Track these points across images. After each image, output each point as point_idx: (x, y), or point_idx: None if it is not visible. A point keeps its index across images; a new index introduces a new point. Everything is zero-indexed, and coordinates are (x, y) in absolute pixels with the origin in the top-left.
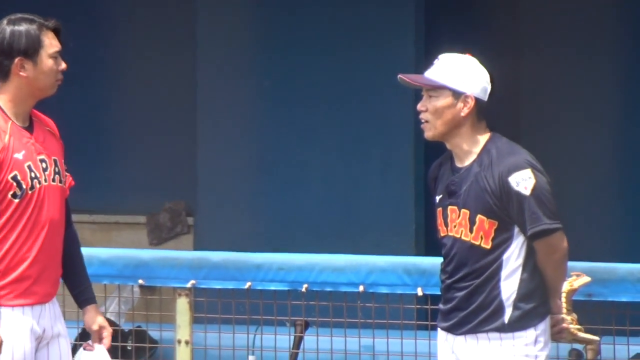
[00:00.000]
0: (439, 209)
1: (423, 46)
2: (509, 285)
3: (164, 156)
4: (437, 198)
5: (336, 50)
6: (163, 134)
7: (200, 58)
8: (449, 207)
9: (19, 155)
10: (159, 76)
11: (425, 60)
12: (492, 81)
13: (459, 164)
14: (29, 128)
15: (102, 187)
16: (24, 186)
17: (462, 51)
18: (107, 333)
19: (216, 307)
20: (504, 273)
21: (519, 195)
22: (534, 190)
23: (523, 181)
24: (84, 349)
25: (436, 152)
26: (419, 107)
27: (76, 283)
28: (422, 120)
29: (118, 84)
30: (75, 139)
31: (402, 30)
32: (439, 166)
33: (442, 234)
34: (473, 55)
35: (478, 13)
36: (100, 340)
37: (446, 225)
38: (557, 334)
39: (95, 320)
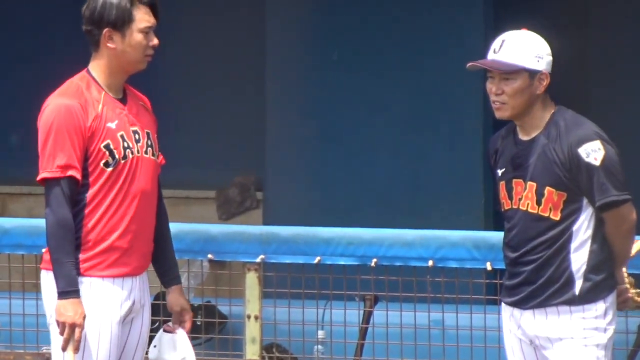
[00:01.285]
0: (502, 182)
1: (492, 17)
2: (579, 256)
3: (233, 131)
4: (500, 171)
5: (404, 21)
6: (232, 109)
7: (268, 31)
8: (514, 180)
9: (111, 125)
10: (227, 50)
11: (494, 31)
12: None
13: (523, 137)
14: (123, 100)
15: (171, 162)
16: (117, 155)
17: (535, 24)
18: (189, 317)
19: (285, 281)
20: (573, 245)
21: (589, 166)
22: (603, 161)
23: (593, 152)
24: (164, 330)
25: (504, 124)
26: (495, 90)
27: (162, 261)
28: (497, 103)
29: (186, 59)
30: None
31: (469, 1)
32: (501, 139)
33: (506, 207)
34: (529, 28)
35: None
36: (180, 323)
37: (510, 198)
38: (622, 304)
39: (179, 302)
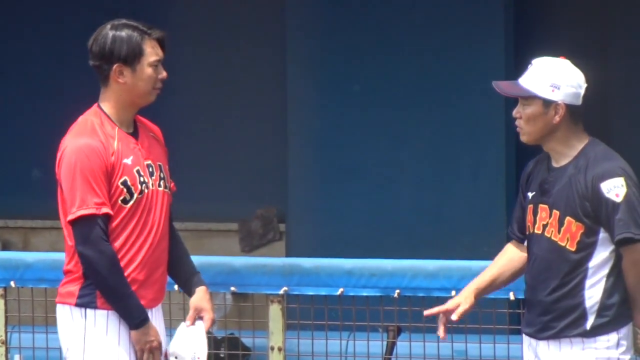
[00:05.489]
0: (530, 206)
1: (512, 49)
2: (594, 293)
3: (255, 163)
4: (530, 195)
5: (425, 53)
6: (254, 141)
7: (290, 64)
8: (540, 205)
9: (127, 161)
10: (249, 83)
11: (515, 63)
12: (586, 82)
13: (555, 164)
14: (134, 134)
15: (193, 195)
16: (134, 192)
17: (556, 54)
18: (208, 317)
19: (309, 313)
20: (588, 282)
21: (609, 201)
22: (624, 197)
23: (615, 188)
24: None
25: (527, 155)
26: (514, 113)
27: (186, 274)
28: (517, 126)
29: (208, 92)
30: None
31: (491, 34)
32: (536, 163)
33: (530, 231)
34: (566, 57)
35: (567, 15)
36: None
37: (535, 223)
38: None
39: (199, 303)
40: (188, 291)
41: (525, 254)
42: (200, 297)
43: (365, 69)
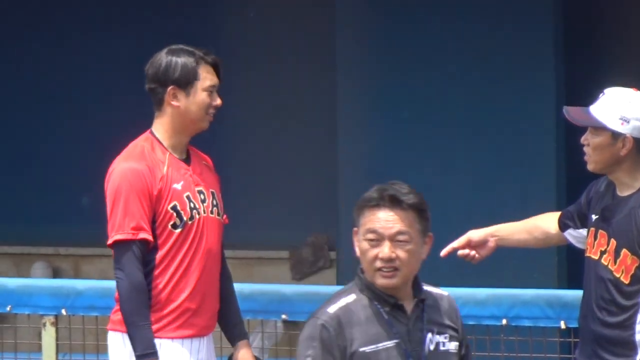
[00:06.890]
0: (592, 229)
1: (563, 76)
2: None
3: (305, 190)
4: (593, 217)
5: (474, 80)
6: (304, 169)
7: (340, 91)
8: (600, 231)
9: (177, 186)
10: (299, 110)
11: (566, 90)
12: None
13: (619, 193)
14: (186, 160)
15: (244, 223)
16: (184, 217)
17: (628, 85)
18: None
19: None
20: None
21: None
22: None
23: None
24: None
25: (577, 183)
26: (582, 140)
27: (228, 318)
28: (585, 154)
29: (259, 119)
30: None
31: (541, 60)
32: (607, 186)
33: (587, 253)
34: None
35: (616, 39)
36: None
37: (593, 246)
38: None
39: (246, 358)
40: (230, 337)
41: (553, 234)
42: (245, 354)
43: (415, 95)
